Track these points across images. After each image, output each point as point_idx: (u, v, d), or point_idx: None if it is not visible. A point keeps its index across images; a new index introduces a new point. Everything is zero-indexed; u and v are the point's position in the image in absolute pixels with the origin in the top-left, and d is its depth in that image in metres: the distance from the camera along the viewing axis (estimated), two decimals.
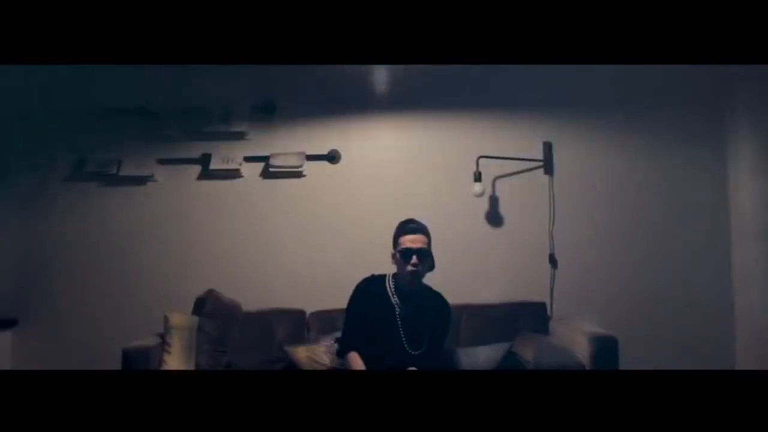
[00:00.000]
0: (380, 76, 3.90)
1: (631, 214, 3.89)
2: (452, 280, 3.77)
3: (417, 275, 2.82)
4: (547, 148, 3.90)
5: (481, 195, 3.75)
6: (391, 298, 2.88)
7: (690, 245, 3.88)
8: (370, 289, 2.91)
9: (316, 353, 3.24)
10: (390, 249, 2.89)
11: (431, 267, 2.92)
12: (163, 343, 3.19)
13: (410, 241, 2.81)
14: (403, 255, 2.80)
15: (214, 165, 3.89)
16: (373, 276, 2.97)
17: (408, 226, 2.86)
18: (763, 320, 3.71)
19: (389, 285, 2.92)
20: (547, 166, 3.89)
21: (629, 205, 3.90)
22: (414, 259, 2.78)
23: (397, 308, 2.86)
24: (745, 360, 3.78)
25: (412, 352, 2.80)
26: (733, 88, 3.88)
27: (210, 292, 3.44)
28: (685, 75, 3.90)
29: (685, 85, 3.93)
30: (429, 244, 2.86)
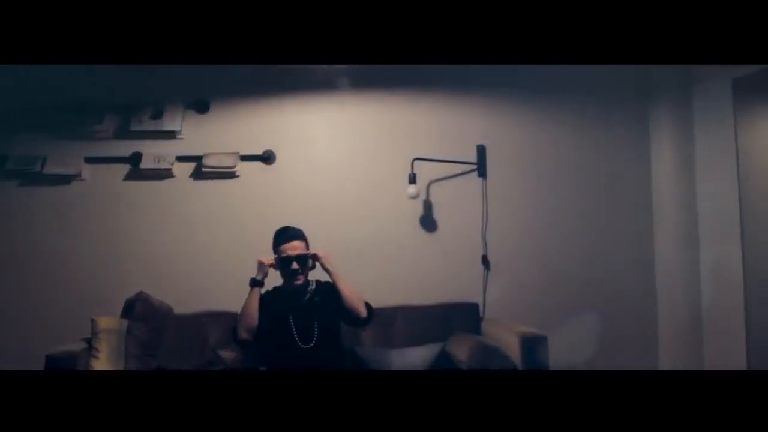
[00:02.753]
0: (317, 76, 3.89)
1: (561, 217, 4.02)
2: (386, 282, 3.83)
3: (299, 280, 2.98)
4: (481, 151, 3.98)
5: (415, 197, 3.80)
6: (285, 301, 3.03)
7: (616, 246, 4.04)
8: (269, 297, 3.04)
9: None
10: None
11: (311, 267, 3.06)
12: (90, 348, 3.09)
13: (288, 248, 2.96)
14: (283, 263, 2.97)
15: (145, 164, 3.79)
16: (275, 288, 3.11)
17: (284, 235, 3.01)
18: (684, 318, 3.91)
19: (281, 292, 3.08)
20: (481, 168, 3.97)
21: (558, 207, 4.03)
22: (294, 265, 2.94)
23: (287, 307, 3.01)
24: (667, 357, 3.96)
25: (303, 346, 2.95)
26: (657, 96, 4.07)
27: (140, 294, 3.35)
28: (613, 79, 4.08)
29: (613, 90, 4.11)
30: (307, 248, 3.02)
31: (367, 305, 3.03)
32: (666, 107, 4.03)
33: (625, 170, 4.09)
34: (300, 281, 2.98)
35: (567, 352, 3.55)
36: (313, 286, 3.09)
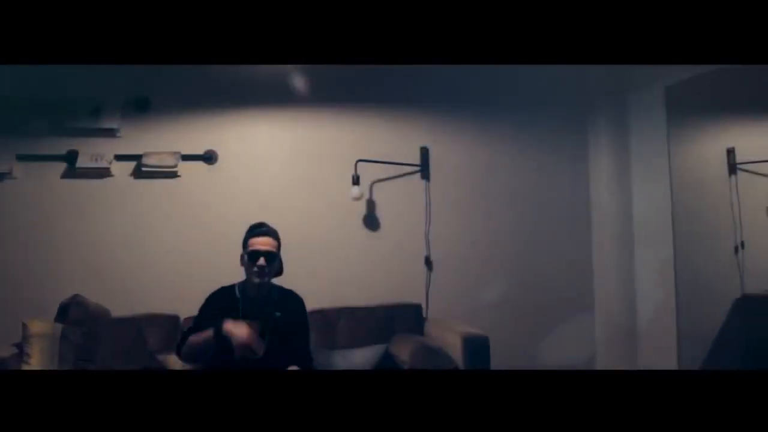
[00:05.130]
0: (259, 74, 3.84)
1: (502, 219, 4.11)
2: (330, 283, 3.82)
3: (263, 276, 2.81)
4: (424, 152, 4.02)
5: (359, 198, 3.81)
6: (238, 304, 2.85)
7: (555, 247, 4.15)
8: (217, 298, 2.89)
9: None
10: None
11: (279, 272, 2.94)
12: (21, 353, 2.98)
13: (259, 243, 2.82)
14: (250, 256, 2.81)
15: (82, 163, 3.68)
16: (222, 287, 2.93)
17: (258, 230, 2.87)
18: (619, 319, 4.04)
19: (237, 292, 2.89)
20: (424, 170, 4.01)
21: (500, 210, 4.11)
22: (261, 260, 2.79)
23: (240, 315, 2.78)
24: (603, 357, 4.09)
25: (251, 356, 2.71)
26: (594, 104, 4.20)
27: (75, 297, 3.26)
28: (553, 88, 4.20)
29: (552, 98, 4.22)
30: (278, 248, 2.88)
31: (310, 356, 2.94)
32: (603, 114, 4.18)
33: (564, 175, 4.22)
34: (264, 279, 2.81)
35: (507, 352, 3.61)
36: (276, 296, 2.92)
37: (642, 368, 3.98)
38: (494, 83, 4.11)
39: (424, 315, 3.87)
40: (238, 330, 2.61)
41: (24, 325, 3.04)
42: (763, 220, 4.05)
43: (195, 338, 2.71)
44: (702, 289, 3.93)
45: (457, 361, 3.22)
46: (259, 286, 2.84)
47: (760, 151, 4.06)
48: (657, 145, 3.96)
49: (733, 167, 4.12)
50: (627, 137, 4.16)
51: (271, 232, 2.88)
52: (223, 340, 2.63)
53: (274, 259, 2.84)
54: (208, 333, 2.64)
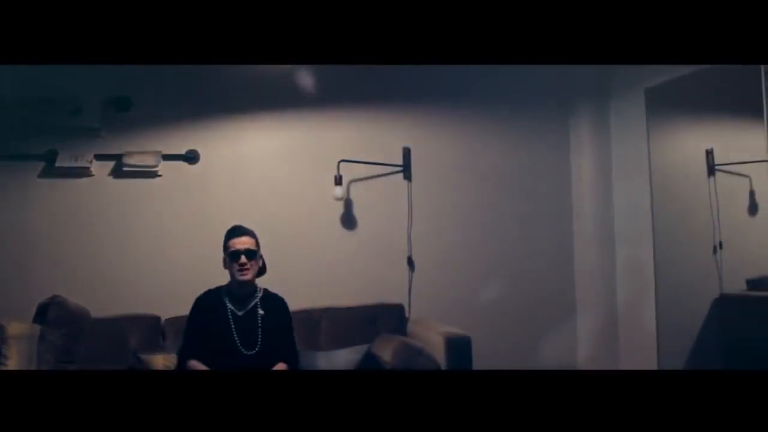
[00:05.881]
0: (241, 74, 3.82)
1: (484, 219, 4.13)
2: (312, 283, 3.82)
3: (246, 274, 2.97)
4: (407, 152, 4.03)
5: (341, 198, 3.81)
6: (226, 304, 3.02)
7: (537, 248, 4.18)
8: (205, 300, 3.06)
9: (175, 360, 3.12)
10: None
11: (262, 270, 3.10)
12: None
13: (237, 243, 2.99)
14: (231, 256, 2.98)
15: (61, 162, 3.63)
16: (208, 290, 3.11)
17: (235, 231, 3.04)
18: (600, 319, 4.08)
19: (222, 295, 3.05)
20: (406, 170, 4.02)
21: (482, 210, 4.14)
22: (242, 258, 2.95)
23: (230, 312, 3.00)
24: (585, 358, 4.12)
25: (246, 353, 2.95)
26: (576, 106, 4.24)
27: (54, 298, 3.21)
28: (536, 89, 4.24)
29: (536, 100, 4.26)
30: (257, 245, 3.04)
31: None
32: (584, 116, 4.22)
33: (546, 175, 4.25)
34: (247, 276, 2.98)
35: (490, 352, 3.63)
36: (260, 294, 3.11)
37: (622, 368, 4.02)
38: (477, 83, 4.13)
39: (407, 315, 3.88)
40: None
41: (2, 327, 2.99)
42: (740, 221, 4.10)
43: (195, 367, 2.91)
44: (681, 289, 3.98)
45: (439, 361, 3.23)
46: (244, 285, 3.00)
47: (739, 152, 4.11)
48: (637, 146, 4.00)
49: (711, 168, 4.16)
50: (608, 138, 4.20)
51: (248, 232, 3.05)
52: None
53: (254, 256, 3.00)
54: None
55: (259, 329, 3.00)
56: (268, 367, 2.92)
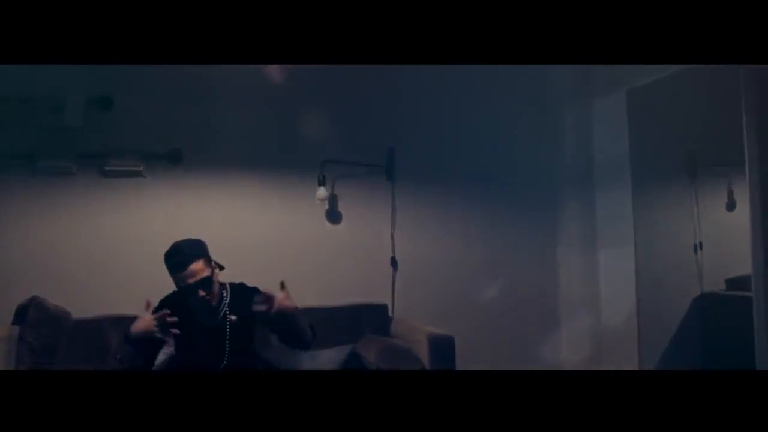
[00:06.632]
0: (225, 73, 3.79)
1: (467, 219, 4.16)
2: (296, 283, 3.77)
3: (208, 300, 2.65)
4: (390, 153, 4.03)
5: (325, 199, 3.81)
6: (191, 313, 2.71)
7: (521, 247, 4.21)
8: (168, 306, 2.68)
9: (156, 360, 3.09)
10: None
11: (221, 268, 2.79)
12: None
13: (187, 276, 2.58)
14: (186, 292, 2.61)
15: (43, 162, 3.59)
16: (174, 292, 2.74)
17: (175, 260, 2.60)
18: (582, 318, 4.11)
19: (190, 301, 2.72)
20: (389, 170, 4.02)
21: (465, 210, 4.16)
22: (200, 293, 2.60)
23: (197, 326, 2.71)
24: (568, 357, 4.16)
25: (216, 366, 2.67)
26: (559, 107, 4.28)
27: (33, 299, 3.17)
28: (520, 86, 4.27)
29: (519, 98, 4.30)
30: (208, 261, 2.65)
31: (312, 329, 2.80)
32: (566, 117, 4.26)
33: (529, 175, 4.27)
34: (210, 306, 2.66)
35: (473, 352, 3.64)
36: (227, 300, 2.78)
37: (604, 367, 4.05)
38: (460, 83, 4.15)
39: (391, 314, 3.88)
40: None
41: None
42: (720, 221, 4.16)
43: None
44: (662, 288, 4.02)
45: (423, 361, 3.24)
46: (208, 304, 2.67)
47: (719, 153, 4.16)
48: (619, 148, 4.04)
49: (692, 169, 4.22)
50: (590, 139, 4.24)
51: (192, 254, 2.62)
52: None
53: (210, 284, 2.63)
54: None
55: (227, 341, 2.70)
56: (241, 369, 2.68)
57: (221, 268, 2.80)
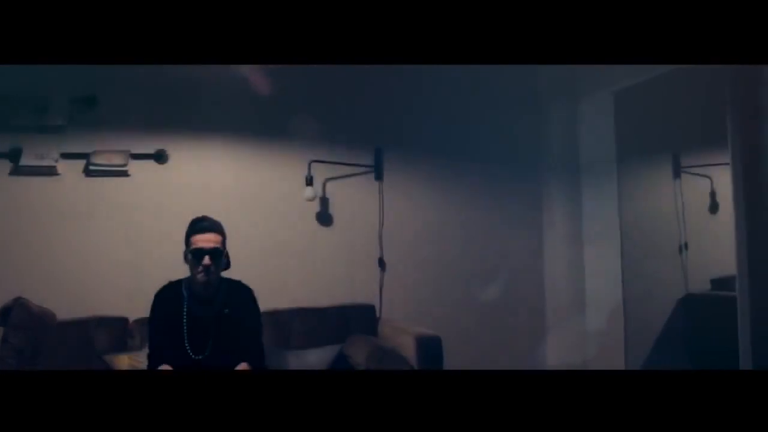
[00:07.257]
0: (211, 73, 3.76)
1: (455, 220, 4.17)
2: (284, 283, 3.80)
3: (209, 275, 2.68)
4: (378, 153, 4.03)
5: (312, 199, 3.80)
6: (184, 301, 2.76)
7: (508, 248, 4.23)
8: (164, 296, 2.79)
9: (140, 359, 3.06)
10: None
11: (227, 265, 2.82)
12: None
13: (203, 240, 2.66)
14: (194, 255, 2.66)
15: (26, 161, 3.55)
16: (170, 282, 2.83)
17: (200, 224, 2.70)
18: (569, 318, 4.13)
19: (183, 289, 2.79)
20: (378, 171, 4.02)
21: (453, 210, 4.17)
22: (206, 259, 2.65)
23: (186, 312, 2.74)
24: (554, 357, 4.18)
25: (195, 357, 2.70)
26: (546, 107, 4.30)
27: (17, 300, 3.15)
28: (509, 88, 4.28)
29: (508, 99, 4.30)
30: (224, 242, 2.74)
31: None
32: (553, 119, 4.28)
33: (516, 177, 4.29)
34: (208, 278, 2.68)
35: (460, 352, 3.65)
36: (223, 291, 2.81)
37: (590, 367, 4.07)
38: (449, 83, 4.16)
39: (378, 315, 3.88)
40: None
41: None
42: (705, 222, 4.19)
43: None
44: (648, 289, 4.05)
45: (410, 361, 3.24)
46: (204, 283, 2.71)
47: (703, 155, 4.20)
48: (605, 149, 4.06)
49: (677, 170, 4.25)
50: (576, 141, 4.26)
51: (215, 227, 2.72)
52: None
53: (219, 257, 2.70)
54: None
55: (213, 331, 2.72)
56: (227, 367, 2.65)
57: (228, 262, 2.83)
